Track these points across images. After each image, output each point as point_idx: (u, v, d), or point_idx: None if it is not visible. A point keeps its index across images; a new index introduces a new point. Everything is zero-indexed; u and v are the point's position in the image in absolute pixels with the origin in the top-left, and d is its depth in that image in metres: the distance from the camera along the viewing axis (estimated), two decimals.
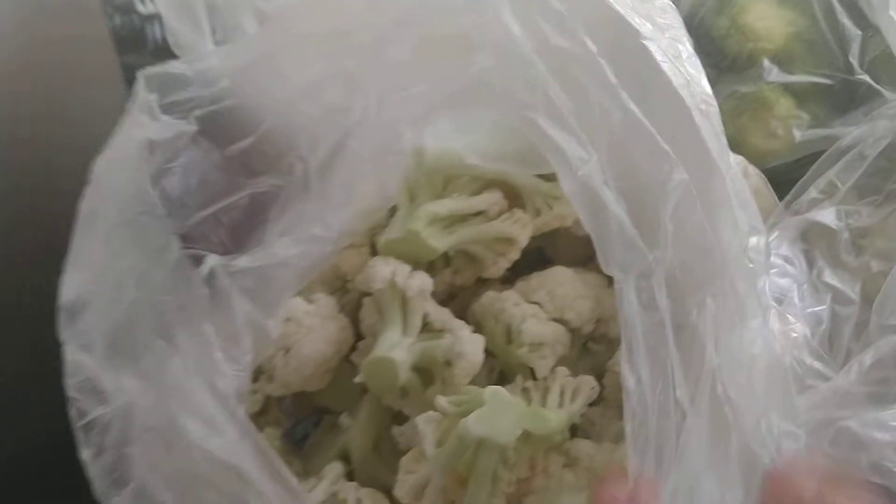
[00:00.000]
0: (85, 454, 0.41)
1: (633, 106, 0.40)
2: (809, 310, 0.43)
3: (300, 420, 0.62)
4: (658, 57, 0.40)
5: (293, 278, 0.48)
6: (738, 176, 0.39)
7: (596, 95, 0.41)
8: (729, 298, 0.39)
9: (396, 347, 0.50)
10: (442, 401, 0.47)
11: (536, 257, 0.62)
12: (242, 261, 0.46)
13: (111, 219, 0.46)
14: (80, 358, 0.42)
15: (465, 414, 0.46)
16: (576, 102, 0.41)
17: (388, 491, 0.53)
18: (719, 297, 0.39)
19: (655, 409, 0.39)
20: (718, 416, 0.38)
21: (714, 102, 0.40)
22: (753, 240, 0.39)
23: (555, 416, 0.47)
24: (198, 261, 0.44)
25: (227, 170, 0.51)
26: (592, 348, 0.57)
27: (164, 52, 0.50)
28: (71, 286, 0.45)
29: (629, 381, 0.39)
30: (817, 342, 0.43)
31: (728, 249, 0.39)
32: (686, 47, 0.41)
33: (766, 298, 0.38)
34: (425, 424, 0.47)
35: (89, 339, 0.43)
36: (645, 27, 0.41)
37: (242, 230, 0.48)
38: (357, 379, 0.51)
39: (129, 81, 0.65)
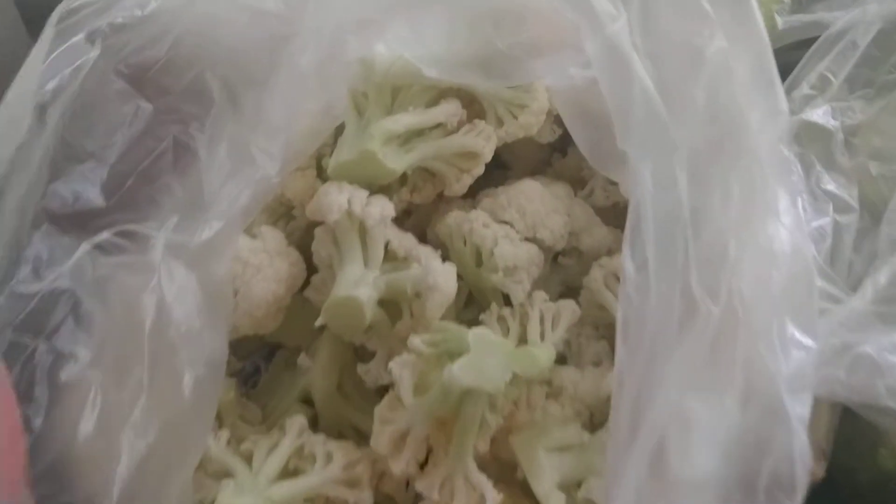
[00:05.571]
0: None
1: None
2: (814, 224, 0.40)
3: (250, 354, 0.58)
4: None
5: (238, 222, 0.43)
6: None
7: None
8: (757, 187, 0.34)
9: (360, 284, 0.45)
10: (417, 341, 0.43)
11: (493, 164, 0.57)
12: (195, 237, 0.40)
13: None
14: None
15: (443, 355, 0.42)
16: None
17: (356, 430, 0.50)
18: (747, 185, 0.34)
19: (658, 298, 0.34)
20: (730, 315, 0.34)
21: None
22: (787, 128, 0.35)
23: (543, 353, 0.43)
24: (138, 240, 0.38)
25: (134, 98, 0.43)
26: (563, 262, 0.53)
27: None
28: None
29: (628, 266, 0.35)
30: (822, 259, 0.40)
31: (761, 134, 0.35)
32: None
33: (798, 194, 0.34)
34: (400, 369, 0.43)
35: None
36: None
37: (167, 177, 0.41)
38: (318, 323, 0.46)
39: None
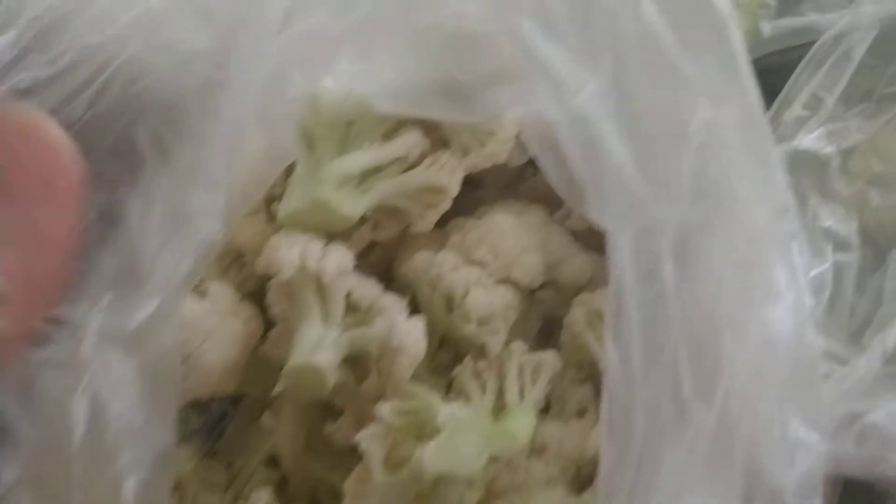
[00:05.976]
0: None
1: (651, 13, 0.30)
2: (814, 272, 0.37)
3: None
4: None
5: (179, 293, 0.38)
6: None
7: None
8: (755, 270, 0.31)
9: (319, 347, 0.41)
10: (385, 411, 0.39)
11: (462, 183, 0.53)
12: (131, 317, 0.36)
13: None
14: None
15: (415, 426, 0.39)
16: (575, 5, 0.32)
17: (328, 489, 0.47)
18: (743, 269, 0.31)
19: (646, 396, 0.31)
20: (727, 417, 0.31)
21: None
22: (786, 199, 0.31)
23: (521, 426, 0.40)
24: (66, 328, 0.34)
25: None
26: (540, 297, 0.49)
27: None
28: None
29: (612, 355, 0.32)
30: (822, 311, 0.36)
31: (757, 210, 0.31)
32: None
33: (800, 271, 0.31)
34: (369, 443, 0.39)
35: None
36: None
37: (96, 252, 0.37)
38: (276, 390, 0.42)
39: None
